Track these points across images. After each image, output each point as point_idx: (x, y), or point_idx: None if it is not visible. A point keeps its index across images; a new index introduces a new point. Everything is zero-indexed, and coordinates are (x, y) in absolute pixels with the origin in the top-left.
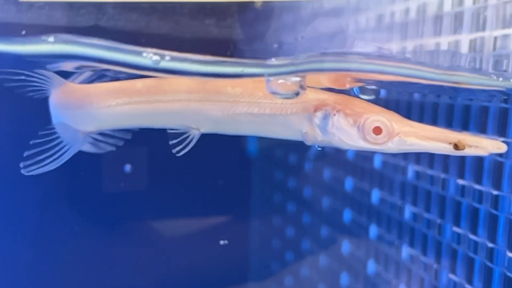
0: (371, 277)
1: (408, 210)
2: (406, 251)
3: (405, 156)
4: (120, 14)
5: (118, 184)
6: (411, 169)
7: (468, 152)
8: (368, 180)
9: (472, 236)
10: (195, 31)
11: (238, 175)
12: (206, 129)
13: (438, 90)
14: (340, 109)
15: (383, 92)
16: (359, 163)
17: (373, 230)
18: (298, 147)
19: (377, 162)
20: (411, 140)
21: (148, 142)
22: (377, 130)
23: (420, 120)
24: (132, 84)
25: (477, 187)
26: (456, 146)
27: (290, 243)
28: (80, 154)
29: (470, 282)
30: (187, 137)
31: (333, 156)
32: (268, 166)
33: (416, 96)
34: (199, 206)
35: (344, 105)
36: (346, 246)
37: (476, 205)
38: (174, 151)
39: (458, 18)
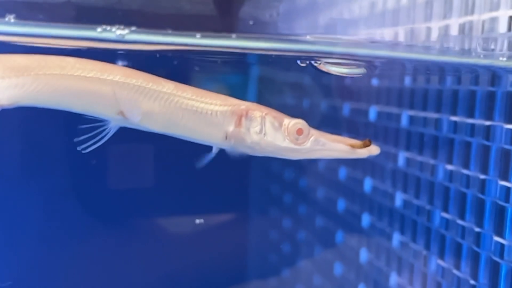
0: (364, 266)
1: (399, 197)
2: (396, 238)
3: (396, 142)
4: None
5: (117, 181)
6: (402, 156)
7: (359, 153)
8: (360, 168)
9: (459, 221)
10: (167, 7)
11: (235, 170)
12: (131, 116)
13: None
14: (267, 112)
15: (375, 81)
16: None
17: (366, 219)
18: None
19: None
20: (323, 140)
21: (143, 139)
22: (299, 131)
23: (411, 106)
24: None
25: (465, 171)
26: (352, 148)
27: (286, 234)
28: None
29: (457, 267)
30: (103, 130)
31: None
32: (265, 159)
33: (407, 82)
34: (197, 200)
35: (266, 110)
36: (339, 235)
37: (463, 190)
38: (82, 146)
39: (448, 2)
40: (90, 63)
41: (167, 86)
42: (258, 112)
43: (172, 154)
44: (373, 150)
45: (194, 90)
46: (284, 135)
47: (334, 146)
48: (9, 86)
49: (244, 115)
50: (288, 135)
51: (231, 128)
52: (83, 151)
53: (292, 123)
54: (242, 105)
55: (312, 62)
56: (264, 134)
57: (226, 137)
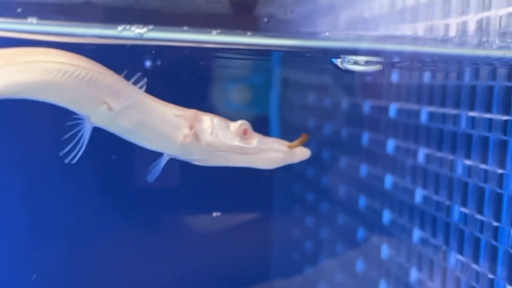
0: (385, 262)
1: (419, 193)
2: (417, 234)
3: (416, 139)
4: None
5: (142, 180)
6: (422, 152)
7: (295, 156)
8: (381, 165)
9: (478, 216)
10: (183, 6)
11: (259, 169)
12: (117, 105)
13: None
14: (214, 116)
15: (395, 76)
16: (373, 149)
17: (386, 215)
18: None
19: (390, 147)
20: (265, 140)
21: None
22: (245, 131)
23: (430, 102)
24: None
25: (483, 166)
26: (290, 148)
27: (309, 232)
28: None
29: (476, 261)
30: (78, 133)
31: (348, 144)
32: None
33: (426, 79)
34: (221, 198)
35: (212, 115)
36: (361, 232)
37: (482, 184)
38: (68, 159)
39: None
40: (74, 54)
41: (137, 89)
42: (206, 116)
43: None
44: (305, 152)
45: (153, 97)
46: (233, 135)
47: (276, 146)
48: None
49: (194, 119)
50: (236, 134)
51: (186, 130)
52: (70, 162)
53: (239, 123)
54: (190, 111)
55: (332, 60)
56: (216, 135)
57: (183, 140)
